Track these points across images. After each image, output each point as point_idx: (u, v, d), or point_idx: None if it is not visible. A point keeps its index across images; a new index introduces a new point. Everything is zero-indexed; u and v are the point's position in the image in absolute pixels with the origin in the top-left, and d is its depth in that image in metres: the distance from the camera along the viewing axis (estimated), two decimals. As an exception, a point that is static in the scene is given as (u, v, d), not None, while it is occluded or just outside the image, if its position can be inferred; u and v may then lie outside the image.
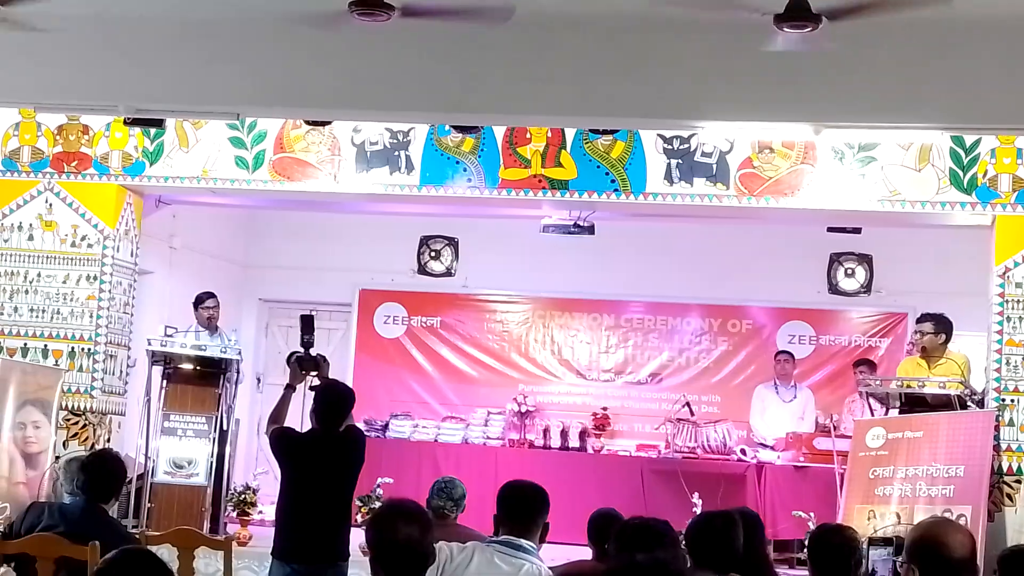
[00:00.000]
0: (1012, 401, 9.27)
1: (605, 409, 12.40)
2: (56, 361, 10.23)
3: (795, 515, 9.72)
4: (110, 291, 10.38)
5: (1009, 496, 9.12)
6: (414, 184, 10.15)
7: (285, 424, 7.34)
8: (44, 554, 6.04)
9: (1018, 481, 9.09)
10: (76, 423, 10.15)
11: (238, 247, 14.04)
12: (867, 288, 13.09)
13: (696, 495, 9.79)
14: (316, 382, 7.63)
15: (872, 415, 10.03)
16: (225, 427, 10.27)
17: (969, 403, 9.46)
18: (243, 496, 10.10)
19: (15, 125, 10.46)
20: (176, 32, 7.41)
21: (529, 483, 5.25)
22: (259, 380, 13.76)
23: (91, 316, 10.32)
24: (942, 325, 9.85)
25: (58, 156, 10.43)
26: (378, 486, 9.98)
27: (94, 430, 10.20)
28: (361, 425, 9.31)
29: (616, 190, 9.91)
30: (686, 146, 9.82)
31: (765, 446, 11.35)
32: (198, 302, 11.03)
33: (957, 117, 7.66)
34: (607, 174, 9.92)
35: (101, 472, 6.40)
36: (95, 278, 10.34)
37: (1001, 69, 7.07)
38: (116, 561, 3.81)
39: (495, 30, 6.90)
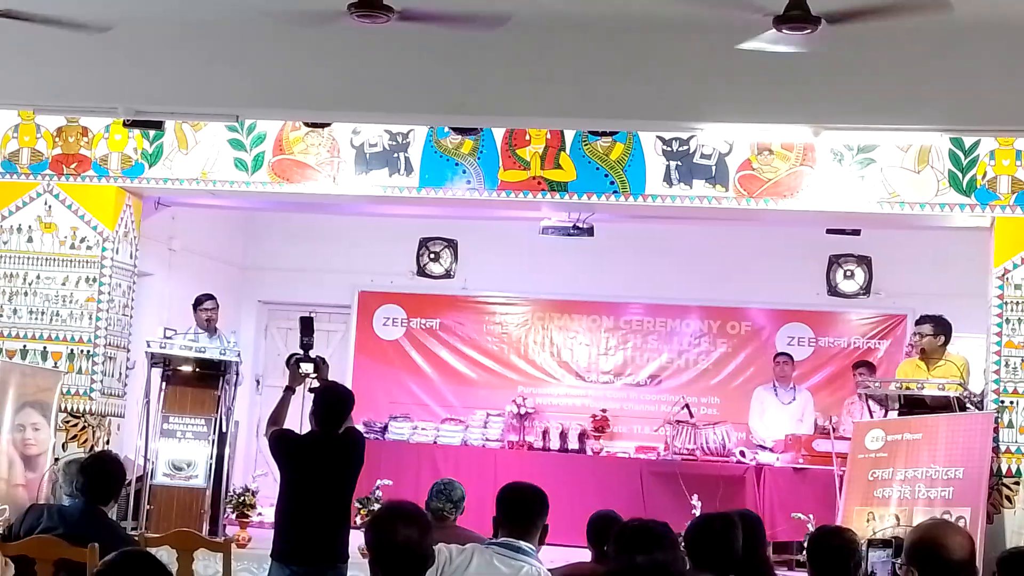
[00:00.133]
0: (1011, 403, 9.27)
1: (604, 411, 12.39)
2: (55, 363, 10.23)
3: (794, 517, 9.72)
4: (109, 293, 10.37)
5: (1008, 498, 9.12)
6: (413, 186, 10.15)
7: (284, 426, 7.34)
8: (43, 556, 6.03)
9: (1017, 483, 9.10)
10: (75, 425, 10.14)
11: (237, 249, 14.04)
12: (866, 290, 13.09)
13: (695, 497, 9.79)
14: (315, 384, 7.62)
15: (871, 417, 10.03)
16: (224, 429, 10.28)
17: (968, 405, 9.46)
18: (242, 498, 10.10)
19: (14, 127, 10.46)
20: (175, 34, 7.42)
21: (528, 485, 5.24)
22: (258, 382, 13.76)
23: (90, 318, 10.32)
24: (941, 327, 9.85)
25: (57, 158, 10.42)
26: (377, 488, 9.97)
27: (93, 432, 10.20)
28: (360, 427, 9.30)
29: (615, 192, 9.91)
30: (685, 148, 9.83)
31: (764, 448, 11.36)
32: (197, 304, 11.04)
33: (956, 119, 7.67)
34: (606, 176, 9.93)
35: (100, 474, 6.40)
36: (94, 280, 10.34)
37: (1000, 71, 7.09)
38: (115, 563, 3.80)
39: (494, 32, 6.90)
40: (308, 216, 12.89)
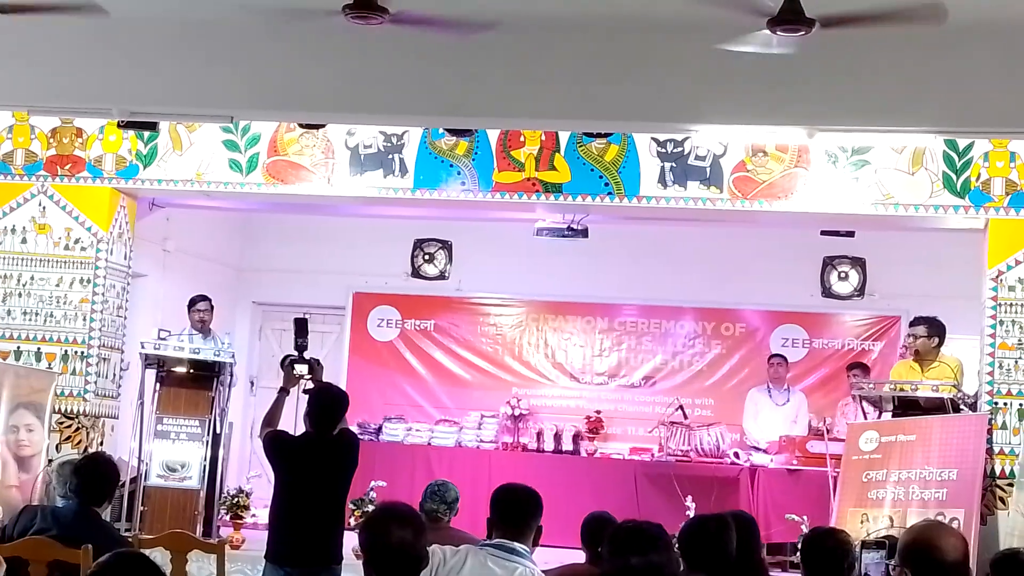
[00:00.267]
0: (1005, 404, 9.29)
1: (598, 412, 12.40)
2: (49, 364, 10.22)
3: (788, 518, 9.73)
4: (103, 294, 10.36)
5: (1002, 499, 9.13)
6: (408, 187, 10.15)
7: (278, 427, 7.34)
8: (37, 557, 6.02)
9: (1011, 485, 9.10)
10: (69, 426, 10.14)
11: (232, 250, 14.03)
12: (860, 291, 13.10)
13: (689, 498, 9.80)
14: (310, 386, 7.62)
15: (865, 418, 10.04)
16: (218, 430, 10.28)
17: (962, 406, 9.48)
18: (236, 499, 10.10)
19: (8, 128, 10.44)
20: (170, 35, 7.40)
21: (522, 486, 5.24)
22: (252, 383, 13.75)
23: (84, 319, 10.31)
24: (935, 328, 9.86)
25: (52, 159, 10.41)
26: (371, 489, 9.97)
27: (87, 433, 10.19)
28: (354, 428, 9.29)
29: (610, 193, 9.92)
30: (680, 149, 9.83)
31: (758, 449, 11.36)
32: (191, 305, 11.04)
33: (950, 120, 7.68)
34: (601, 177, 9.93)
35: (94, 475, 6.38)
36: (88, 281, 10.33)
37: (994, 73, 7.09)
38: (109, 564, 3.79)
39: (484, 35, 6.90)
40: (302, 217, 12.88)
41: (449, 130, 9.81)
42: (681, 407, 11.64)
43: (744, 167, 9.79)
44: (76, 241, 10.36)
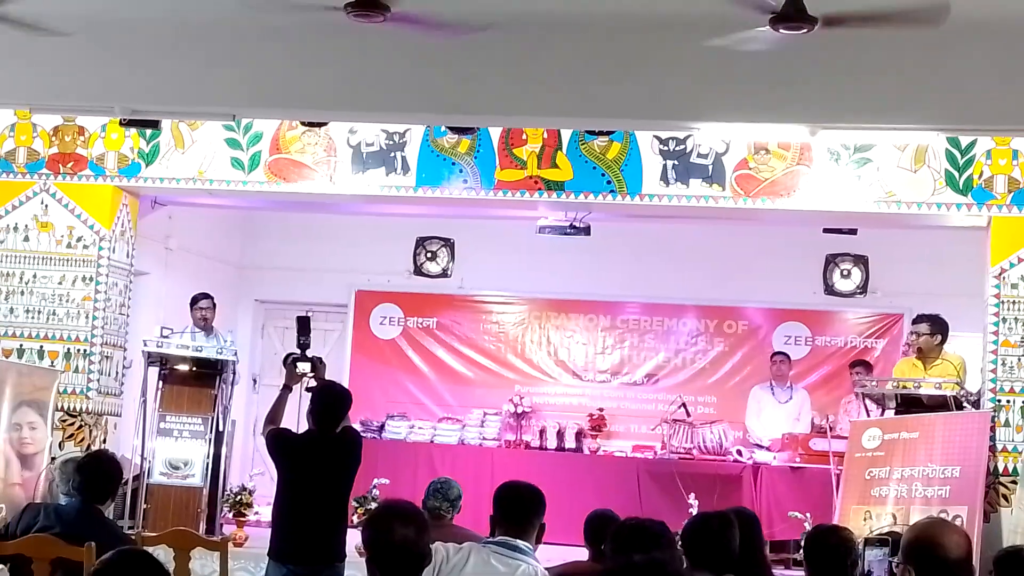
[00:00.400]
0: (1008, 402, 9.28)
1: (601, 410, 12.40)
2: (52, 362, 10.23)
3: (791, 516, 9.73)
4: (106, 292, 10.37)
5: (1005, 497, 9.12)
6: (410, 185, 10.15)
7: (281, 425, 7.34)
8: (40, 555, 6.03)
9: (1014, 482, 9.09)
10: (72, 424, 10.14)
11: (234, 248, 14.03)
12: (863, 289, 13.10)
13: (692, 496, 9.80)
14: (313, 384, 7.62)
15: (868, 416, 10.03)
16: (221, 428, 10.28)
17: (965, 404, 9.47)
18: (239, 497, 10.10)
19: (11, 126, 10.45)
20: (172, 33, 7.40)
21: (525, 484, 5.24)
22: (255, 381, 13.76)
23: (87, 317, 10.31)
24: (938, 326, 9.85)
25: (54, 157, 10.42)
26: (374, 487, 9.98)
27: (90, 431, 10.19)
28: (357, 426, 9.30)
29: (612, 191, 9.92)
30: (682, 147, 9.83)
31: (761, 447, 11.36)
32: (194, 303, 11.04)
33: (953, 118, 7.67)
34: (603, 175, 9.92)
35: (97, 473, 6.39)
36: (91, 279, 10.34)
37: (997, 70, 7.08)
38: (113, 562, 3.80)
39: (491, 31, 6.90)
40: (305, 215, 12.89)
41: (451, 128, 9.81)
42: (684, 405, 11.64)
43: (746, 165, 9.79)
44: (78, 239, 10.36)
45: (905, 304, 12.34)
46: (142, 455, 10.08)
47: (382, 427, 11.91)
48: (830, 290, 13.15)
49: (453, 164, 10.11)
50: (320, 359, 7.81)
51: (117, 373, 10.61)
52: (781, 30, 6.30)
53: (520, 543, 4.90)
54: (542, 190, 10.02)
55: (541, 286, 13.34)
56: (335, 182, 10.21)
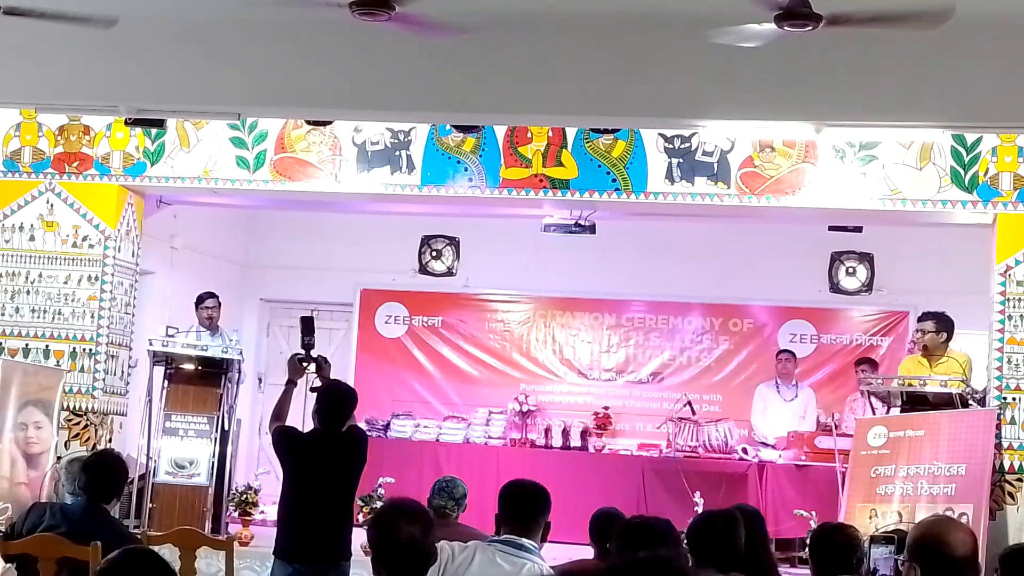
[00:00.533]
0: (1013, 399, 9.27)
1: (606, 408, 12.39)
2: (57, 362, 10.23)
3: (797, 514, 9.72)
4: (111, 291, 10.38)
5: (1011, 494, 9.12)
6: (415, 184, 10.15)
7: (287, 422, 7.34)
8: (46, 554, 6.03)
9: (1020, 479, 9.09)
10: (78, 423, 10.15)
11: (239, 247, 14.04)
12: (868, 287, 13.08)
13: (697, 494, 9.80)
14: (318, 383, 7.62)
15: (874, 414, 10.03)
16: (226, 427, 10.28)
17: (971, 401, 9.46)
18: (245, 496, 10.10)
19: (16, 126, 10.46)
20: (177, 32, 7.41)
21: (531, 482, 5.24)
22: (260, 380, 13.76)
23: (92, 316, 10.32)
24: (943, 323, 9.84)
25: (59, 156, 10.43)
26: (380, 486, 9.98)
27: (96, 430, 10.20)
28: (362, 425, 9.31)
29: (617, 189, 9.91)
30: (687, 145, 9.82)
31: (766, 445, 11.35)
32: (199, 302, 11.04)
33: (958, 115, 7.67)
34: (608, 173, 9.92)
35: (102, 472, 6.39)
36: (96, 278, 10.35)
37: (1002, 67, 7.08)
38: (119, 561, 3.80)
39: (496, 30, 6.90)
40: (310, 214, 12.89)
41: (456, 127, 9.81)
42: (689, 403, 11.64)
43: (751, 163, 9.78)
44: (84, 238, 10.37)
45: (910, 302, 12.33)
46: (148, 454, 10.08)
47: (387, 426, 11.91)
48: (835, 288, 13.14)
49: (458, 163, 10.11)
50: (325, 359, 7.80)
51: (123, 372, 10.62)
52: (786, 27, 6.30)
53: (525, 542, 4.90)
54: (547, 188, 10.02)
55: (546, 284, 13.34)
56: (340, 181, 10.21)
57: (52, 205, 10.40)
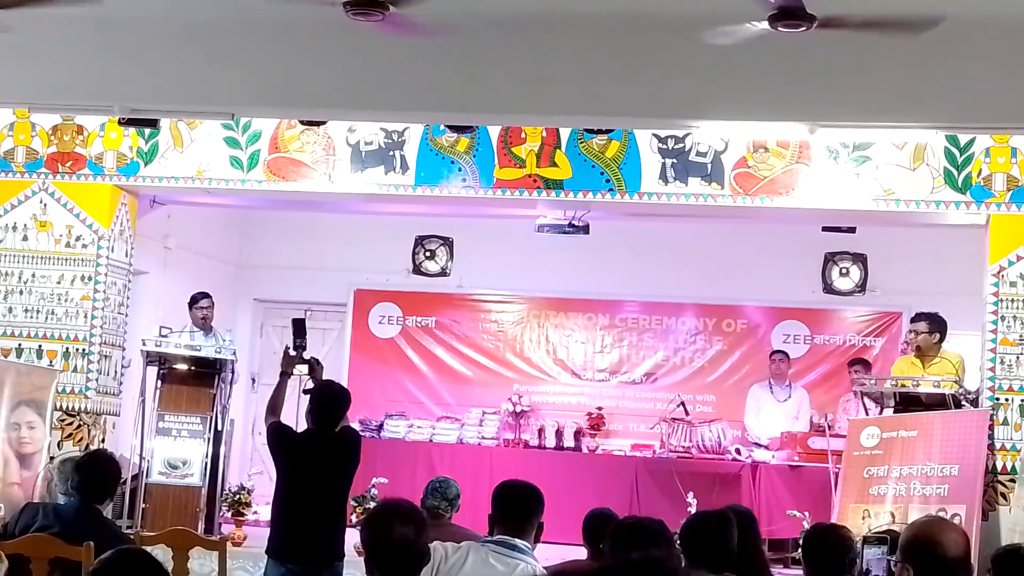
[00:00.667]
0: (1006, 400, 9.28)
1: (600, 409, 12.39)
2: (51, 361, 10.22)
3: (790, 514, 9.72)
4: (105, 291, 10.37)
5: (1003, 495, 9.13)
6: (409, 184, 10.15)
7: (281, 416, 7.34)
8: (39, 555, 6.03)
9: (1012, 481, 9.09)
10: (71, 423, 10.14)
11: (233, 247, 14.03)
12: (862, 287, 13.10)
13: (691, 495, 9.79)
14: (310, 385, 7.61)
15: (867, 414, 10.04)
16: (220, 427, 10.28)
17: (963, 402, 9.47)
18: (238, 496, 10.09)
19: (9, 125, 10.45)
20: (171, 32, 7.39)
21: (524, 483, 5.25)
22: (254, 380, 13.75)
23: (86, 316, 10.31)
24: (936, 324, 9.85)
25: (53, 156, 10.42)
26: (373, 486, 9.97)
27: (89, 430, 10.19)
28: (356, 425, 9.31)
29: (611, 190, 9.92)
30: (681, 146, 9.83)
31: (760, 445, 11.36)
32: (192, 302, 11.03)
33: (952, 116, 7.67)
34: (602, 174, 9.93)
35: (95, 472, 6.39)
36: (90, 278, 10.34)
37: (996, 68, 7.07)
38: (112, 561, 3.80)
39: (490, 30, 6.90)
40: (304, 214, 12.88)
41: (450, 127, 9.81)
42: (682, 403, 11.65)
43: (745, 163, 9.79)
44: (77, 238, 10.36)
45: (904, 302, 12.33)
46: (141, 454, 10.08)
47: (381, 426, 11.91)
48: (829, 288, 13.15)
49: (452, 163, 10.11)
50: (317, 360, 7.79)
51: (116, 372, 10.61)
52: (780, 28, 6.31)
53: (519, 542, 4.90)
54: (541, 189, 10.02)
55: (540, 285, 13.34)
56: (334, 181, 10.21)
57: (45, 205, 10.39)
